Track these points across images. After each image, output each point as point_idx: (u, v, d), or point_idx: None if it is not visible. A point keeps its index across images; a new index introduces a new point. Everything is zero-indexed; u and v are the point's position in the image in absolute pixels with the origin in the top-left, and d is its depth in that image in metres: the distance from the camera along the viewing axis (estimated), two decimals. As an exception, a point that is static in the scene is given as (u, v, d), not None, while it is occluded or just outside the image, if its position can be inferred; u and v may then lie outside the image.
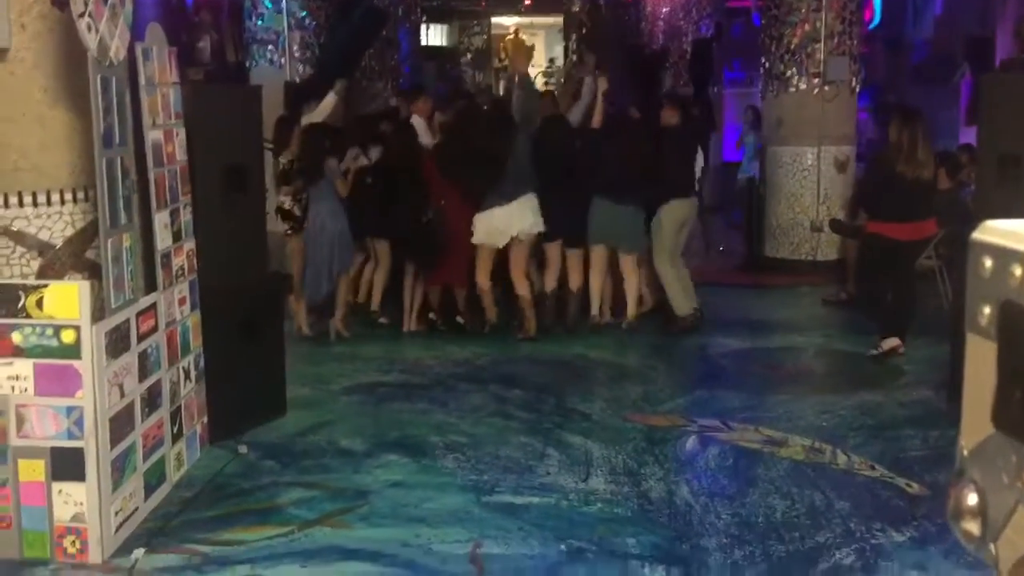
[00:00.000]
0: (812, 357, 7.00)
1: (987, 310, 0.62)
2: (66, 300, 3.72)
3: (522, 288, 7.17)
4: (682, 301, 7.36)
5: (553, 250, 7.28)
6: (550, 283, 7.32)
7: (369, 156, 7.27)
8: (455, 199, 7.13)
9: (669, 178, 7.28)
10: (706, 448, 5.04)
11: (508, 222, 6.98)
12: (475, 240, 7.06)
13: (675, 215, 7.31)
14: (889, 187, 6.43)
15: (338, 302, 7.22)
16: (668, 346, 7.13)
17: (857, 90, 10.10)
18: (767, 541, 3.95)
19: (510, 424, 5.42)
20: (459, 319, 7.40)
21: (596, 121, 7.31)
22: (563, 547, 3.90)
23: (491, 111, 7.90)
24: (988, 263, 0.62)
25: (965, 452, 0.67)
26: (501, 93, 8.44)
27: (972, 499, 0.64)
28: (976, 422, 0.63)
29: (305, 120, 7.40)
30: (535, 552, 3.85)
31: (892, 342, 6.56)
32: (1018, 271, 0.59)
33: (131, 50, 4.24)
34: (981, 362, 0.62)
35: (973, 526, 0.65)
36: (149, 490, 4.22)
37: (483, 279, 7.18)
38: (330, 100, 7.60)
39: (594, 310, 7.38)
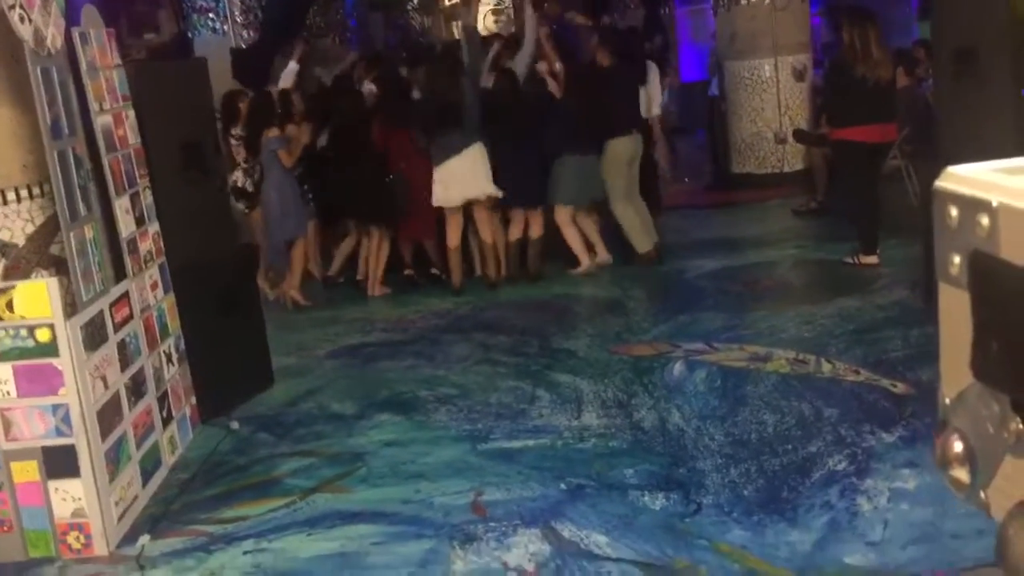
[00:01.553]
0: (788, 269, 7.05)
1: (956, 259, 0.62)
2: (36, 299, 3.67)
3: (486, 234, 7.13)
4: (642, 238, 7.34)
5: (515, 210, 7.21)
6: (514, 234, 7.24)
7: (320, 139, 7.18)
8: (414, 159, 7.02)
9: (610, 117, 7.18)
10: (693, 371, 5.09)
11: (464, 178, 6.88)
12: (436, 202, 6.96)
13: (620, 152, 7.22)
14: (850, 91, 6.42)
15: (291, 270, 7.17)
16: (645, 275, 7.16)
17: (808, -4, 10.03)
18: (761, 456, 4.02)
19: (498, 370, 5.44)
20: (434, 271, 7.36)
21: (552, 73, 7.16)
22: (563, 486, 3.94)
23: (440, 57, 7.74)
24: (954, 212, 0.61)
25: (947, 400, 0.68)
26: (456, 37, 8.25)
27: (958, 447, 0.64)
28: (955, 371, 0.63)
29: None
30: (536, 494, 3.90)
31: (871, 260, 6.61)
32: (984, 220, 0.59)
33: (68, 36, 4.13)
34: (955, 312, 0.62)
35: (962, 473, 0.66)
36: (146, 476, 4.22)
37: (452, 239, 7.11)
38: (292, 68, 7.54)
39: (583, 260, 7.30)
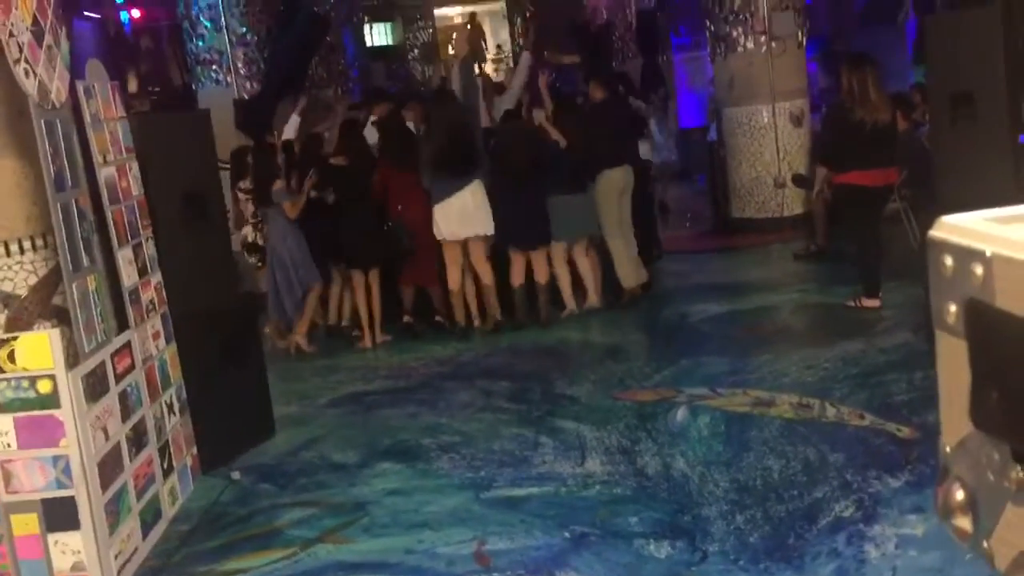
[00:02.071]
0: (790, 313, 7.04)
1: (952, 308, 0.62)
2: (38, 350, 3.67)
3: (486, 276, 7.13)
4: (629, 272, 7.37)
5: (515, 252, 7.21)
6: (516, 279, 7.23)
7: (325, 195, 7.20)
8: (416, 204, 7.05)
9: (600, 150, 7.24)
10: (696, 417, 5.07)
11: (461, 215, 6.90)
12: (439, 235, 7.00)
13: (610, 184, 7.28)
14: (849, 136, 6.45)
15: (301, 317, 7.17)
16: (647, 319, 7.15)
17: (804, 43, 10.15)
18: (767, 503, 3.98)
19: (500, 417, 5.42)
20: (438, 318, 7.35)
21: (547, 117, 7.24)
22: (567, 534, 3.91)
23: (438, 96, 7.79)
24: (948, 262, 0.62)
25: (947, 449, 0.67)
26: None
27: (960, 495, 0.64)
28: (955, 419, 0.62)
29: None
30: (540, 543, 3.86)
31: (873, 302, 6.61)
32: (979, 269, 0.59)
33: (73, 90, 4.18)
34: (953, 360, 0.62)
35: (965, 522, 0.65)
36: (146, 528, 4.19)
37: (453, 281, 7.12)
38: (295, 121, 7.64)
39: (568, 303, 7.35)
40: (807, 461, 4.34)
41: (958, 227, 0.61)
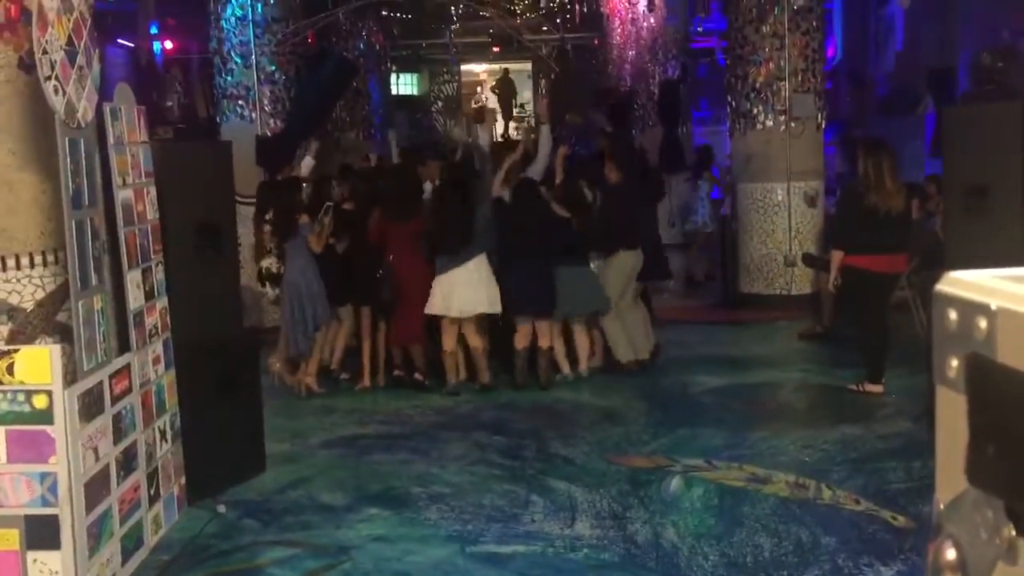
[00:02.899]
0: (792, 392, 7.01)
1: (954, 363, 0.62)
2: (37, 365, 3.67)
3: (475, 340, 7.07)
4: (624, 349, 7.37)
5: (522, 319, 7.16)
6: (520, 342, 7.17)
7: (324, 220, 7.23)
8: (409, 258, 6.99)
9: (615, 231, 7.26)
10: (690, 488, 5.01)
11: (465, 290, 6.84)
12: (431, 310, 6.91)
13: (621, 267, 7.30)
14: (862, 220, 6.47)
15: (311, 356, 7.17)
16: (648, 386, 7.12)
17: (823, 126, 10.26)
18: (755, 581, 3.92)
19: (493, 472, 5.37)
20: (417, 376, 7.19)
21: (557, 185, 7.29)
22: (550, 596, 3.84)
23: (451, 168, 7.73)
24: (952, 315, 0.62)
25: (941, 506, 0.67)
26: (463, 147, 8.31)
27: (951, 554, 0.63)
28: (951, 476, 0.62)
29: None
30: (522, 602, 3.80)
31: (876, 388, 6.58)
32: (983, 323, 0.59)
33: (99, 111, 4.23)
34: (952, 415, 0.61)
35: (954, 582, 0.64)
36: (126, 555, 4.13)
37: (449, 343, 7.05)
38: (308, 163, 7.73)
39: (564, 369, 7.33)
40: (799, 542, 4.28)
41: (965, 282, 0.61)
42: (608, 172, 7.43)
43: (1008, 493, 0.58)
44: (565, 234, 7.08)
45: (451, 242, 6.81)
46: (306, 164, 7.75)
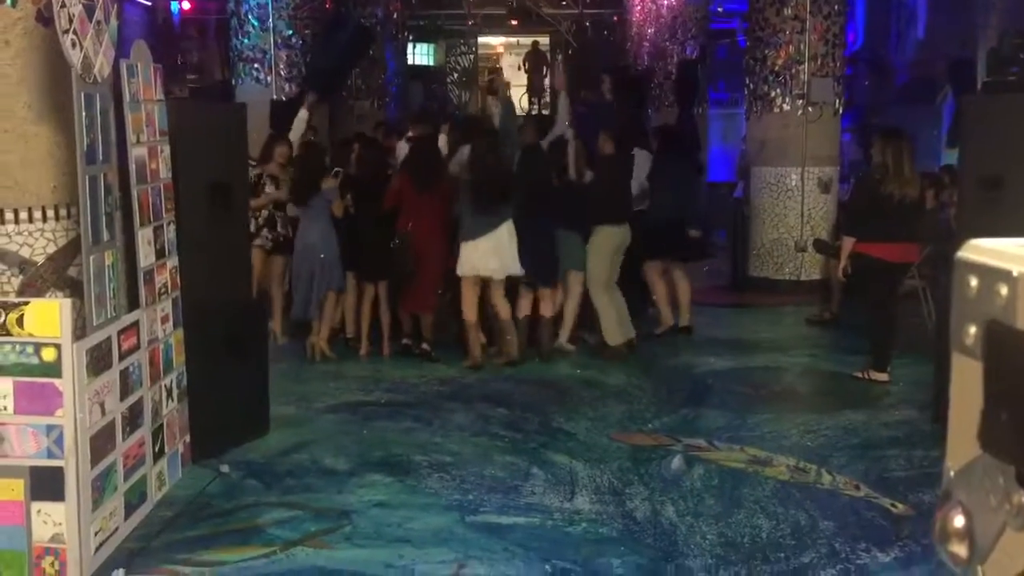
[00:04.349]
0: (797, 376, 7.01)
1: (972, 330, 0.62)
2: (47, 318, 3.68)
3: (504, 311, 7.06)
4: (615, 330, 7.26)
5: (524, 287, 7.16)
6: (523, 310, 7.17)
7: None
8: (426, 227, 6.95)
9: (602, 204, 7.20)
10: (692, 467, 5.03)
11: (494, 255, 6.84)
12: (461, 272, 6.90)
13: (607, 241, 7.22)
14: (876, 208, 6.43)
15: (322, 322, 7.18)
16: (653, 365, 7.13)
17: (840, 112, 10.18)
18: (752, 561, 3.94)
19: (495, 443, 5.39)
20: (425, 346, 7.19)
21: (574, 172, 7.25)
22: (548, 568, 3.87)
23: (481, 131, 7.70)
24: (973, 282, 0.62)
25: (951, 473, 0.67)
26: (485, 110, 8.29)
27: (959, 521, 0.63)
28: (962, 443, 0.62)
29: (292, 137, 7.53)
30: (519, 573, 3.83)
31: (882, 376, 6.56)
32: (1003, 290, 0.59)
33: (116, 67, 4.23)
34: (967, 382, 0.61)
35: (960, 548, 0.64)
36: (130, 509, 4.17)
37: (470, 312, 7.00)
38: (302, 116, 7.68)
39: (563, 337, 7.33)
40: (797, 525, 4.30)
41: (987, 248, 0.61)
42: (602, 143, 7.35)
43: (1020, 459, 0.58)
44: (566, 201, 7.05)
45: (490, 196, 6.77)
46: (301, 117, 7.70)
